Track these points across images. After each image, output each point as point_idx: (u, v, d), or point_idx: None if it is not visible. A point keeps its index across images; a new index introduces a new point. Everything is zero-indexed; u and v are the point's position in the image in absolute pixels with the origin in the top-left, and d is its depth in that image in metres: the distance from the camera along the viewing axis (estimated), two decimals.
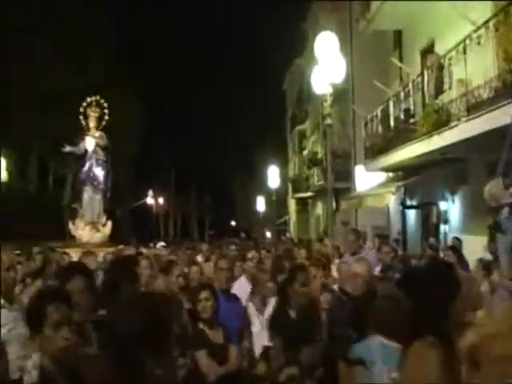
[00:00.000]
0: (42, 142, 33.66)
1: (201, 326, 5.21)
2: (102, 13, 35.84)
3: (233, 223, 69.92)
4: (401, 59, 18.38)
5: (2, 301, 4.63)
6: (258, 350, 5.78)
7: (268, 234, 43.84)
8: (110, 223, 16.56)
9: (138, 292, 4.66)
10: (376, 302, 3.93)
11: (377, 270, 7.65)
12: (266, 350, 5.43)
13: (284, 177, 42.10)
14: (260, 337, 5.96)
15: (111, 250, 11.47)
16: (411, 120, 14.38)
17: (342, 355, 4.75)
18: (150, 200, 56.12)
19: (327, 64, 11.02)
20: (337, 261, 8.86)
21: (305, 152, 36.81)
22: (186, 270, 7.64)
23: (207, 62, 77.11)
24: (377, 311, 3.82)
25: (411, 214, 18.84)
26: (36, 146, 34.69)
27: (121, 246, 12.91)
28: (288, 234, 38.29)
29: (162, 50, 70.59)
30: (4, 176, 32.20)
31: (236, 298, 6.25)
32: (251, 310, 6.17)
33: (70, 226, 16.35)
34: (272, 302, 6.10)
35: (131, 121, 38.46)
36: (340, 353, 4.77)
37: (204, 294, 5.28)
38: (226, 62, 76.74)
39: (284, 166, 44.13)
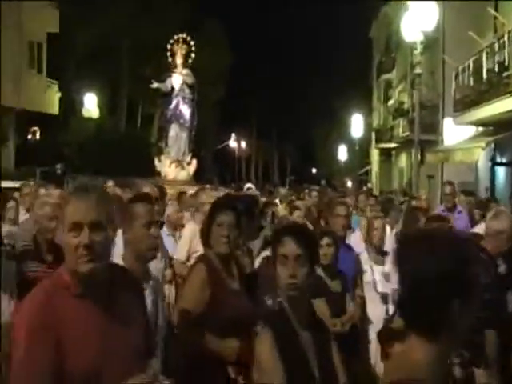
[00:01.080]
0: (131, 80, 34.61)
1: (320, 273, 4.89)
2: None
3: (314, 170, 69.81)
4: (496, 9, 17.55)
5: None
6: (369, 301, 5.69)
7: (349, 184, 43.69)
8: (194, 162, 16.88)
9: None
10: None
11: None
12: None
13: (368, 126, 41.47)
14: (371, 286, 5.81)
15: (195, 188, 11.76)
16: (505, 73, 13.90)
17: (493, 324, 4.40)
18: (232, 143, 56.88)
19: (419, 11, 10.81)
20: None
21: (390, 102, 36.04)
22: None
23: (295, 9, 75.47)
24: None
25: (501, 172, 18.31)
26: (125, 84, 35.70)
27: (207, 186, 13.14)
28: (369, 185, 38.00)
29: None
30: (95, 113, 33.52)
31: (350, 247, 5.95)
32: (364, 258, 5.93)
33: (156, 162, 16.83)
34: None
35: (217, 63, 38.65)
36: (491, 322, 4.38)
37: (326, 240, 5.14)
38: (313, 8, 74.68)
39: (368, 115, 43.40)
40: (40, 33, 26.21)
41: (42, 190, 7.45)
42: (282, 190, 15.84)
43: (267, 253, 5.25)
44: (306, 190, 15.89)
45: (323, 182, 45.68)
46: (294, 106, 62.19)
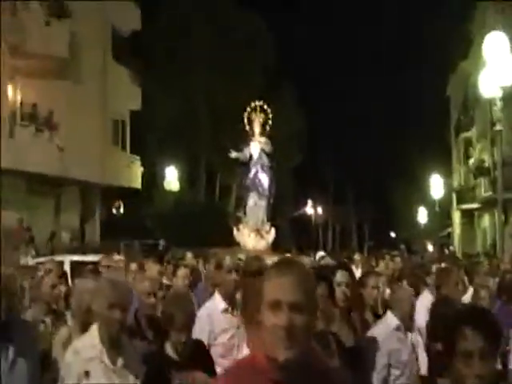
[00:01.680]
0: (210, 151, 35.44)
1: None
2: (264, 26, 36.91)
3: (392, 234, 68.20)
4: None
5: (224, 304, 4.69)
6: None
7: (429, 247, 42.25)
8: (273, 230, 16.69)
9: None
10: None
11: None
12: None
13: (448, 187, 40.41)
14: None
15: (275, 257, 11.62)
16: None
17: None
18: (309, 210, 56.69)
19: (497, 66, 10.53)
20: None
21: (471, 160, 35.10)
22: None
23: (368, 70, 75.89)
24: None
25: None
26: (204, 156, 36.52)
27: (287, 255, 12.97)
28: (451, 248, 36.61)
29: (323, 59, 70.90)
30: (176, 186, 34.37)
31: None
32: None
33: (235, 232, 16.74)
34: None
35: (293, 128, 39.08)
36: None
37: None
38: (387, 66, 74.69)
39: (448, 176, 42.36)
40: (123, 111, 27.50)
41: (133, 265, 7.48)
42: (357, 257, 15.37)
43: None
44: (387, 256, 15.38)
45: (402, 246, 44.49)
46: (370, 169, 61.68)
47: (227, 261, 4.90)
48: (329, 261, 12.05)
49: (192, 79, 33.15)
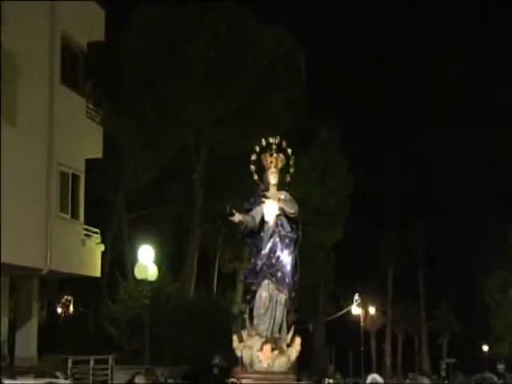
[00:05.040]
0: (204, 222, 35.30)
1: None
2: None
3: (485, 348, 66.74)
4: None
5: None
6: None
7: None
8: (298, 341, 15.85)
9: None
10: None
11: None
12: None
13: None
14: None
15: None
16: None
17: None
18: (355, 309, 55.86)
19: None
20: None
21: None
22: None
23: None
24: None
25: None
26: (196, 228, 36.24)
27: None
28: None
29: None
30: (153, 274, 33.87)
31: None
32: None
33: (235, 343, 15.84)
34: None
35: (330, 183, 38.90)
36: None
37: None
38: None
39: None
40: (77, 160, 27.82)
41: None
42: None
43: None
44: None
45: (501, 366, 43.39)
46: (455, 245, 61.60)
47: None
48: None
49: (181, 116, 33.27)
